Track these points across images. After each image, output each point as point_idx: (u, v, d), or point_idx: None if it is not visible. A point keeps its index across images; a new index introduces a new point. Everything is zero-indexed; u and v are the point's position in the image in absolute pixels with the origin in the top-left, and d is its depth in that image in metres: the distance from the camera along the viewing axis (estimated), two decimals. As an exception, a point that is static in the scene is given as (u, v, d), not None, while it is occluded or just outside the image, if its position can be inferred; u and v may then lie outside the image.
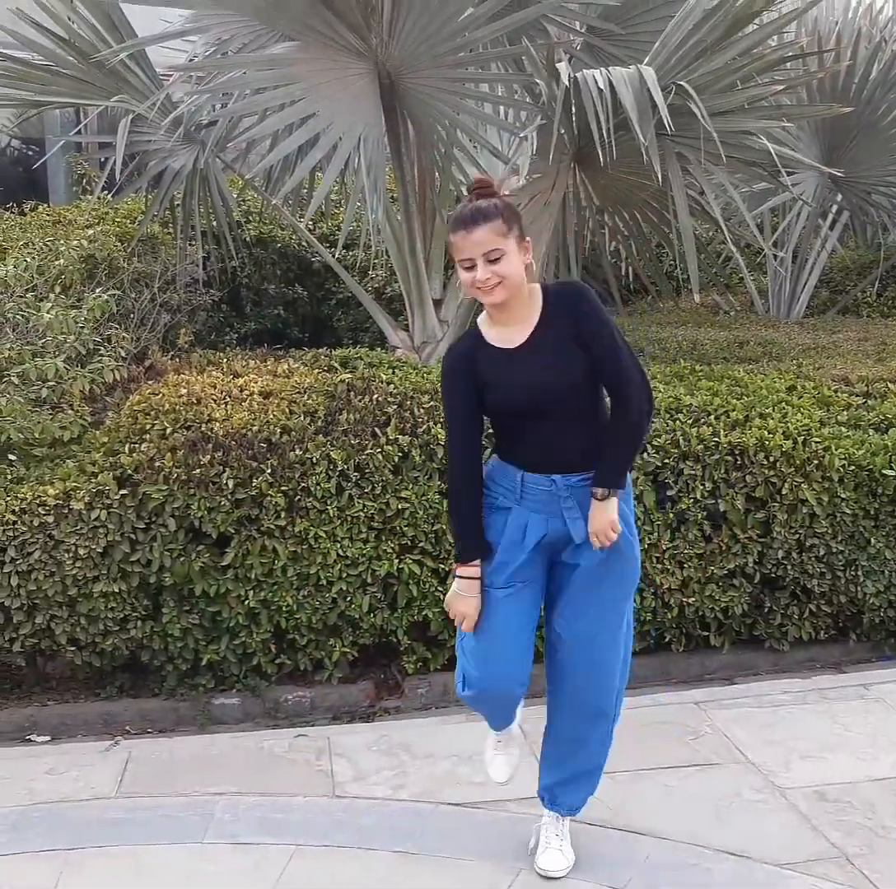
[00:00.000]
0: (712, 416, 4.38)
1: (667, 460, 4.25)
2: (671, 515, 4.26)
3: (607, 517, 2.64)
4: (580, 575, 2.72)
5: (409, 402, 4.31)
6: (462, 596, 2.71)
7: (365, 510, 4.07)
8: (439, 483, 4.12)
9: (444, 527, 4.09)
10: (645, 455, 4.20)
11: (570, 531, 2.69)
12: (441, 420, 4.21)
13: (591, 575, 2.72)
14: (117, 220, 6.99)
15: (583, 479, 2.67)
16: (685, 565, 4.26)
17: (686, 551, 4.27)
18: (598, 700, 2.78)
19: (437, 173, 5.78)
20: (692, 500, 4.24)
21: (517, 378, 2.63)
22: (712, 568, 4.27)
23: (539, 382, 2.62)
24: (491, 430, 2.85)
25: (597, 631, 2.74)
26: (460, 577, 2.70)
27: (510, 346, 2.66)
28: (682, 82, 4.57)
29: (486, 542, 2.70)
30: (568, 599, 2.75)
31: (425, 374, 4.79)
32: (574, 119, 4.81)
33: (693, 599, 4.29)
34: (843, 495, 4.26)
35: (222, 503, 3.95)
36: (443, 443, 4.10)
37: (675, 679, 4.35)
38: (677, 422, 4.34)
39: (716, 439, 4.27)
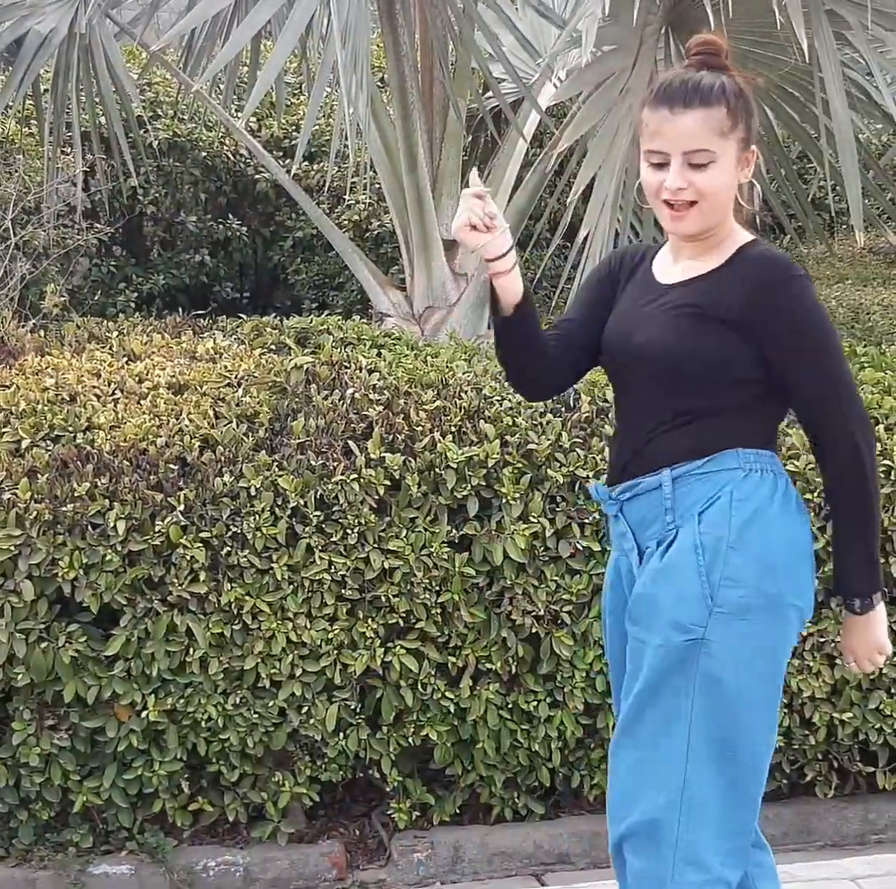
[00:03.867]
0: (882, 427, 4.36)
1: (808, 496, 4.18)
2: (815, 583, 4.22)
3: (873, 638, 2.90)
4: None
5: (402, 402, 4.30)
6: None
7: (332, 571, 4.06)
8: (449, 528, 4.11)
9: (456, 596, 4.08)
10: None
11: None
12: (451, 430, 4.20)
13: None
14: (-52, 114, 7.03)
15: (628, 488, 2.85)
16: (839, 660, 4.24)
17: (840, 638, 4.24)
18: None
19: (450, 43, 5.78)
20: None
21: (624, 323, 2.87)
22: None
23: (653, 335, 2.80)
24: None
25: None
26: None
27: (664, 279, 2.87)
28: None
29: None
30: None
31: (430, 358, 4.77)
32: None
33: (850, 716, 4.27)
34: None
35: (108, 558, 3.94)
36: (452, 463, 4.09)
37: (819, 840, 4.35)
38: (826, 434, 4.31)
39: (888, 462, 4.26)
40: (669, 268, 2.87)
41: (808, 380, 2.74)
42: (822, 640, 4.24)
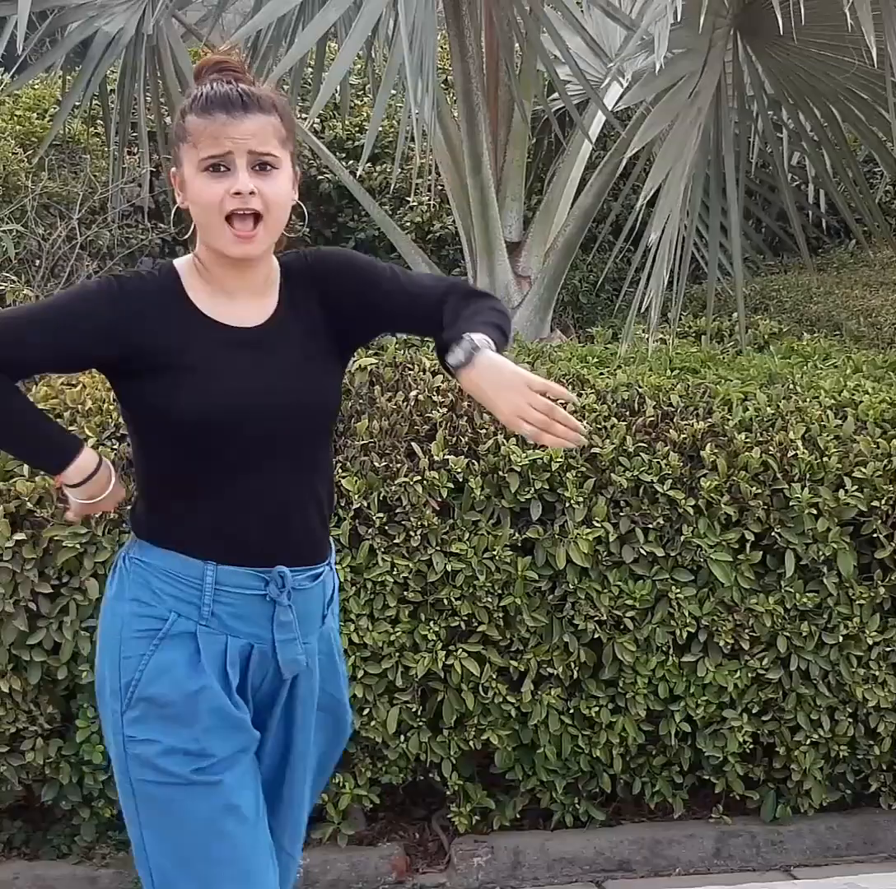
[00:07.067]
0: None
1: (875, 503, 4.23)
2: (881, 591, 4.26)
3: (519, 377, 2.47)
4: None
5: (466, 404, 4.33)
6: (95, 501, 2.69)
7: (394, 573, 4.10)
8: (512, 531, 4.15)
9: (518, 600, 4.12)
10: (840, 493, 4.21)
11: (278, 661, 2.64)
12: (513, 434, 4.23)
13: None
14: (18, 113, 7.11)
15: (312, 576, 2.66)
16: (904, 671, 4.28)
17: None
18: None
19: (517, 45, 5.81)
20: (916, 566, 4.26)
21: (248, 378, 2.55)
22: (947, 676, 4.28)
23: (284, 391, 2.57)
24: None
25: None
26: (74, 485, 2.64)
27: (239, 324, 2.59)
28: None
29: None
30: None
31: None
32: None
33: (915, 726, 4.30)
34: None
35: (172, 557, 4.00)
36: (516, 466, 4.14)
37: (883, 852, 4.36)
38: (895, 442, 4.35)
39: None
40: (229, 309, 2.59)
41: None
42: (889, 649, 4.25)
